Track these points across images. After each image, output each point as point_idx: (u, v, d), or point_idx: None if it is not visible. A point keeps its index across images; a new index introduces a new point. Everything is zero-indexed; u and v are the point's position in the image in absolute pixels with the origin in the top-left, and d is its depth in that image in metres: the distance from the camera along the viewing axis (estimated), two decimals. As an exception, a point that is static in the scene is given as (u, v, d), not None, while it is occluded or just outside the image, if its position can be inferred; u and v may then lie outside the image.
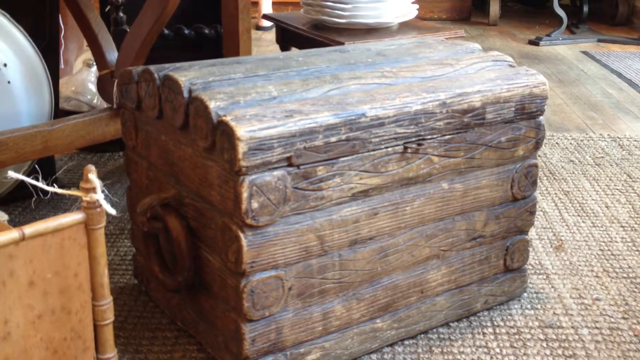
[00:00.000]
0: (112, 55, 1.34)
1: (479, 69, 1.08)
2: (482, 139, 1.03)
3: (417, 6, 1.60)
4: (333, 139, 0.89)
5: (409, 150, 0.96)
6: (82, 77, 1.80)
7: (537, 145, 1.10)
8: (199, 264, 0.97)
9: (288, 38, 1.67)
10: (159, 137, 1.01)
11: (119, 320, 1.10)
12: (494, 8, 3.94)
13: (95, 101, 1.79)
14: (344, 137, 0.90)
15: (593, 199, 1.59)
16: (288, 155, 0.86)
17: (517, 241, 1.13)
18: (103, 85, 1.34)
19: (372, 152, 0.93)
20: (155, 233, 1.01)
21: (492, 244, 1.11)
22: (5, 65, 1.27)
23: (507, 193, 1.09)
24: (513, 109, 1.04)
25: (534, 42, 3.40)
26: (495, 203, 1.09)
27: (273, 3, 3.75)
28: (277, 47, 1.96)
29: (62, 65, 1.57)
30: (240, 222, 0.86)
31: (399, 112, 0.94)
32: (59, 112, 1.51)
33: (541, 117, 1.09)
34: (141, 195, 1.10)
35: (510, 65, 1.12)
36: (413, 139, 0.96)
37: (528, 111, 1.06)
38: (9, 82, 1.27)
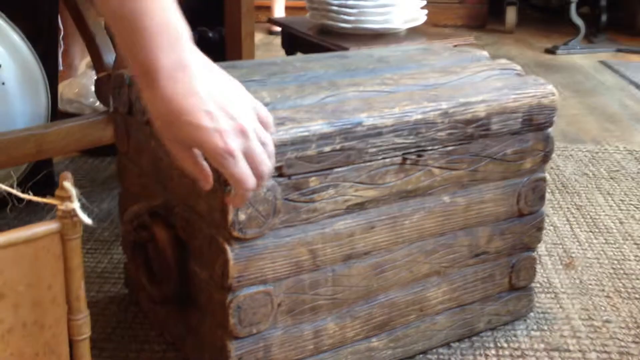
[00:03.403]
0: (109, 57, 1.31)
1: (485, 78, 1.03)
2: (487, 151, 0.99)
3: (426, 11, 1.56)
4: (327, 149, 0.85)
5: (408, 162, 0.92)
6: (85, 80, 1.77)
7: (546, 158, 1.05)
8: (187, 276, 0.93)
9: (293, 43, 1.63)
10: (149, 143, 0.98)
11: (107, 331, 1.07)
12: (511, 15, 3.88)
13: (97, 104, 1.76)
14: (338, 146, 0.85)
15: (607, 214, 1.53)
16: (279, 165, 0.81)
17: (524, 258, 1.08)
18: (100, 88, 1.31)
19: (368, 163, 0.89)
20: (143, 242, 0.97)
21: (496, 261, 1.06)
22: (-1, 66, 1.24)
23: (513, 208, 1.04)
24: (520, 120, 0.99)
25: (551, 51, 3.34)
26: (500, 218, 1.04)
27: (286, 8, 3.72)
28: (286, 52, 1.92)
29: (60, 67, 1.54)
30: (226, 235, 0.82)
31: (398, 122, 0.89)
32: (57, 115, 1.48)
33: (550, 129, 1.04)
34: (132, 202, 1.06)
35: (519, 74, 1.07)
36: (413, 150, 0.92)
37: (536, 123, 1.01)
38: (3, 83, 1.24)
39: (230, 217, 0.80)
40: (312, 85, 0.93)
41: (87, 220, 0.72)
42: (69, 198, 0.71)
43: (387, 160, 0.90)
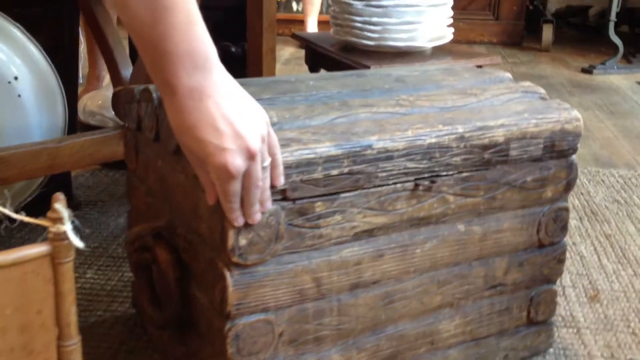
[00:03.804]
0: (127, 71, 1.29)
1: (506, 101, 0.99)
2: (505, 178, 0.94)
3: (452, 30, 1.51)
4: (334, 172, 0.81)
5: (421, 188, 0.88)
6: (108, 92, 1.76)
7: (569, 187, 1.00)
8: (188, 300, 0.90)
9: (316, 59, 1.61)
10: (156, 162, 0.95)
11: (109, 354, 1.04)
12: (547, 33, 3.81)
13: (119, 117, 1.75)
14: (346, 170, 0.82)
15: (637, 245, 1.47)
16: (282, 188, 0.78)
17: (543, 291, 1.03)
18: (116, 103, 1.29)
19: (378, 189, 0.85)
20: (146, 264, 0.94)
21: (514, 293, 1.01)
22: (16, 78, 1.23)
23: (533, 238, 1.00)
24: (541, 146, 0.95)
25: (587, 71, 3.26)
26: (518, 249, 0.99)
27: (320, 22, 3.70)
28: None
29: (80, 80, 1.53)
30: (226, 260, 0.79)
31: (411, 145, 0.85)
32: (76, 127, 1.48)
33: (574, 156, 0.99)
34: (140, 220, 1.04)
35: (542, 98, 1.02)
36: (426, 175, 0.88)
37: (558, 149, 0.96)
38: (19, 95, 1.24)
39: (231, 242, 0.77)
40: (323, 106, 0.90)
41: (79, 243, 0.70)
42: (60, 220, 0.69)
43: (399, 185, 0.86)
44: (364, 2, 1.41)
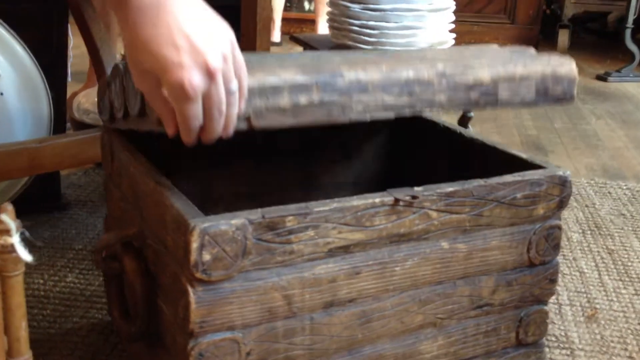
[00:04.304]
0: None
1: (494, 49, 0.94)
2: (493, 194, 0.89)
3: (454, 35, 1.47)
4: (303, 100, 0.75)
5: (401, 203, 0.83)
6: (104, 91, 1.73)
7: (562, 204, 0.95)
8: (155, 313, 0.86)
9: (314, 62, 1.56)
10: (129, 167, 0.92)
11: (81, 362, 1.01)
12: (563, 39, 3.75)
13: (114, 116, 1.72)
14: (316, 99, 0.76)
15: (640, 261, 1.41)
16: (246, 115, 0.73)
17: (534, 312, 0.98)
18: (97, 100, 1.26)
19: (354, 204, 0.81)
20: (116, 273, 0.91)
21: (501, 313, 0.96)
22: (-2, 76, 1.20)
23: (523, 257, 0.95)
24: (534, 89, 0.89)
25: (602, 78, 3.19)
26: (507, 267, 0.94)
27: (284, 19, 3.72)
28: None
29: (69, 79, 1.50)
30: (189, 275, 0.75)
31: (386, 78, 0.80)
32: (64, 127, 1.45)
33: (568, 173, 0.94)
34: (114, 227, 1.00)
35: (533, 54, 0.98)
36: (407, 110, 0.82)
37: (553, 95, 0.90)
38: (1, 93, 1.21)
39: (193, 257, 0.73)
40: (296, 55, 0.85)
41: (27, 257, 0.66)
42: (7, 232, 0.65)
43: (377, 200, 0.82)
44: (362, 5, 1.37)
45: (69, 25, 1.33)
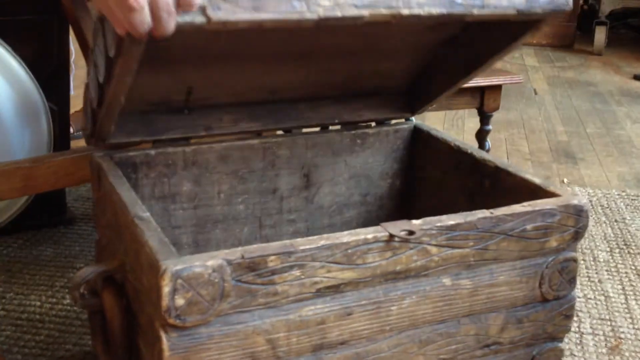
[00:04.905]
0: (112, 86, 1.21)
1: None
2: (500, 227, 0.82)
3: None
4: None
5: (397, 239, 0.77)
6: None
7: (578, 235, 0.88)
8: (136, 353, 0.81)
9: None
10: (112, 195, 0.87)
11: (66, 396, 0.97)
12: (600, 36, 3.61)
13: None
14: None
15: (671, 284, 1.32)
16: (202, 6, 0.66)
17: (547, 350, 0.91)
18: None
19: (343, 240, 0.74)
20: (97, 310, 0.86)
21: (511, 352, 0.89)
22: (-6, 93, 1.17)
23: (534, 292, 0.88)
24: None
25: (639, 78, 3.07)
26: (517, 304, 0.87)
27: None
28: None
29: (72, 92, 1.46)
30: (162, 320, 0.69)
31: None
32: (67, 141, 1.41)
33: (584, 202, 0.86)
34: (103, 253, 0.96)
35: None
36: (383, 10, 0.74)
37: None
38: (-3, 111, 1.17)
39: (165, 301, 0.68)
40: None
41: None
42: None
43: (369, 236, 0.76)
44: None
45: (69, 36, 1.29)
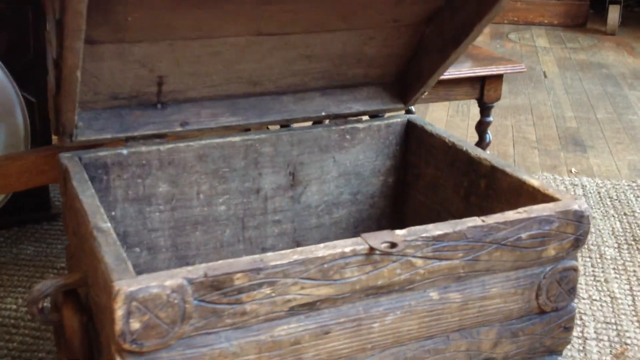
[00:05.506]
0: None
1: None
2: (492, 236, 0.76)
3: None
4: None
5: (377, 252, 0.70)
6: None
7: (578, 242, 0.81)
8: (99, 372, 0.76)
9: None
10: (74, 202, 0.81)
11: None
12: (613, 15, 3.49)
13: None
14: None
15: (682, 284, 1.25)
16: None
17: (545, 364, 0.85)
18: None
19: (318, 255, 0.68)
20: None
21: (506, 367, 0.83)
22: (-37, 87, 1.11)
23: (531, 304, 0.81)
24: None
25: (654, 59, 2.96)
26: (511, 317, 0.81)
27: None
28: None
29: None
30: (117, 345, 0.64)
31: None
32: (49, 135, 1.35)
33: (584, 207, 0.80)
34: (71, 259, 0.90)
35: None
36: None
37: None
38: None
39: (119, 325, 0.62)
40: None
41: None
42: None
43: (347, 250, 0.69)
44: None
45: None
